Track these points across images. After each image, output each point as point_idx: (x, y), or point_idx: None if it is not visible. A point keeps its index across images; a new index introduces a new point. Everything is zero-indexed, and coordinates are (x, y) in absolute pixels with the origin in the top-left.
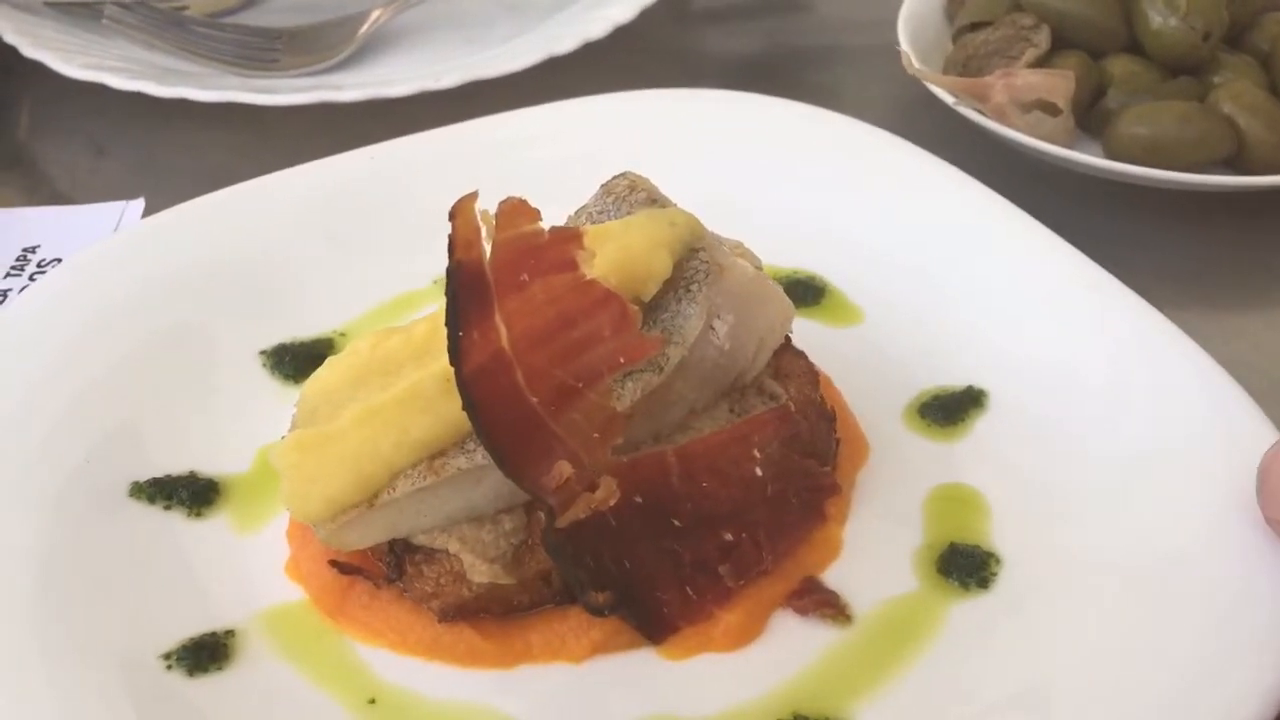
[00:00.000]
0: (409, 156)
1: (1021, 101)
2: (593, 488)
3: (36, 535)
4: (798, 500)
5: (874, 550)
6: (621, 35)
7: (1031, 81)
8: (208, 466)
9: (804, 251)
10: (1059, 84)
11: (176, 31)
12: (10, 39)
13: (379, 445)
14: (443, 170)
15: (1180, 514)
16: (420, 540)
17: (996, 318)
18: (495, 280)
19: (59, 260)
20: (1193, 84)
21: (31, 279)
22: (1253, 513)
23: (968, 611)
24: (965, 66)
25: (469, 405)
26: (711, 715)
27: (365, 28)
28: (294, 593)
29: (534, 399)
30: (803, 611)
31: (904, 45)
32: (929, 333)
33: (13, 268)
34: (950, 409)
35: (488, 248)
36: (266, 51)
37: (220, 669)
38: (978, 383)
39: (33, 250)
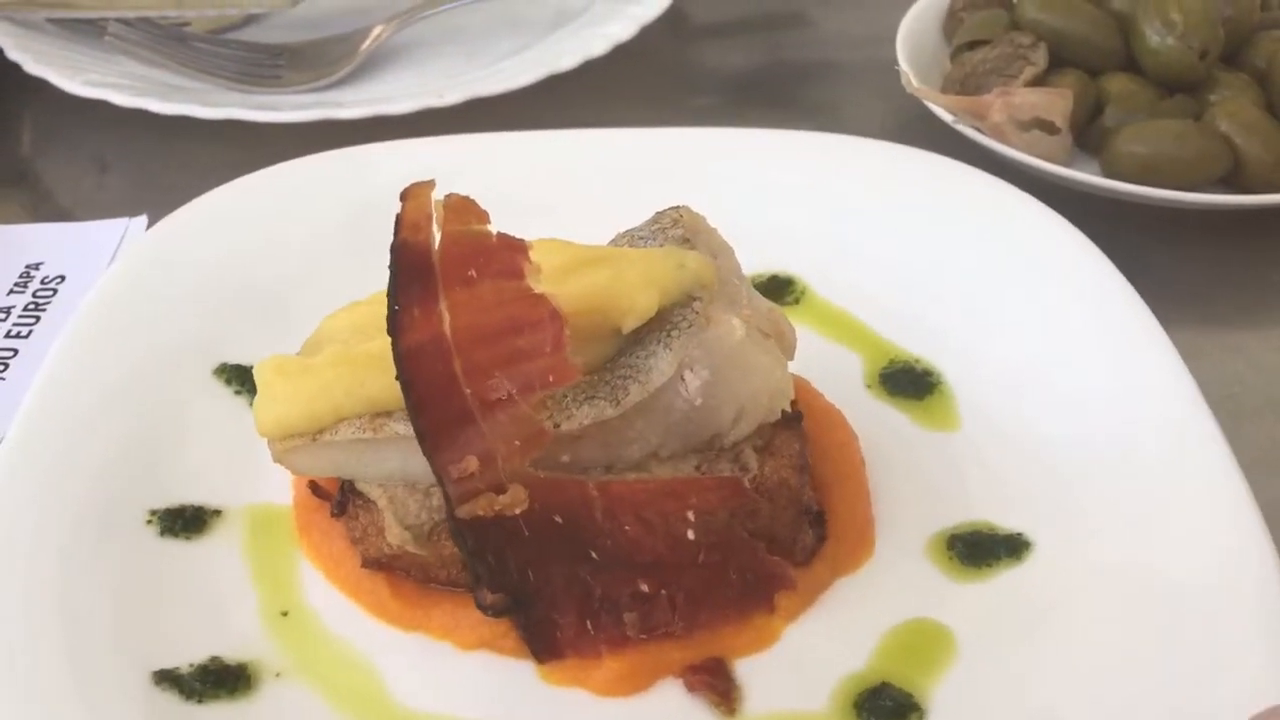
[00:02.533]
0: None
1: (1020, 120)
2: (501, 490)
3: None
4: (739, 578)
5: (804, 658)
6: (622, 52)
7: (1030, 100)
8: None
9: (926, 339)
10: (1057, 102)
11: (179, 48)
12: (13, 55)
13: (334, 389)
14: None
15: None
16: (362, 487)
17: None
18: (442, 269)
19: (62, 277)
20: (1189, 102)
21: (35, 296)
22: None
23: None
24: (963, 84)
25: (402, 379)
26: None
27: (367, 44)
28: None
29: (468, 390)
30: (690, 687)
31: (903, 64)
32: (1007, 461)
33: (15, 284)
34: (981, 549)
35: (437, 235)
36: (269, 68)
37: (189, 539)
38: (1028, 533)
39: (36, 267)
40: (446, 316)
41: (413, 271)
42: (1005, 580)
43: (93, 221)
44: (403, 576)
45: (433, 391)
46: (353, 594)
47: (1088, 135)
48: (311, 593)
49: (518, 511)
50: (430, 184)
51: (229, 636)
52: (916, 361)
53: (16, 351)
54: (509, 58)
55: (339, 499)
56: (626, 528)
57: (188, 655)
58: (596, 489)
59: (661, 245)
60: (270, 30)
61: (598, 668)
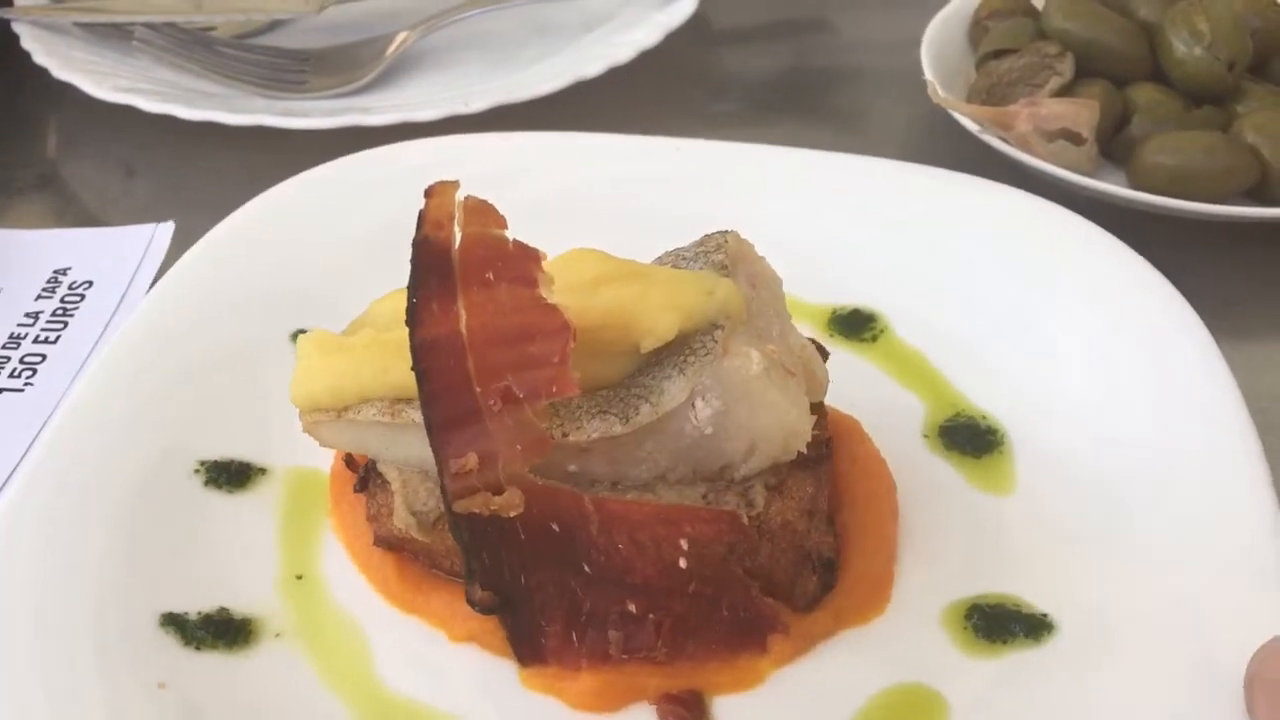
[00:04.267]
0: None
1: (1046, 130)
2: (498, 492)
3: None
4: (730, 615)
5: (785, 706)
6: (647, 58)
7: (1056, 110)
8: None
9: (996, 396)
10: (1083, 113)
11: (205, 53)
12: (41, 60)
13: (361, 371)
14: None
15: None
16: (382, 468)
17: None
18: (462, 268)
19: (90, 283)
20: (1217, 113)
21: (63, 301)
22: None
23: None
24: (989, 94)
25: (417, 370)
26: None
27: (392, 49)
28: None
29: (478, 389)
30: (661, 715)
31: (928, 73)
32: (1051, 538)
33: (44, 290)
34: (1000, 624)
35: (458, 234)
36: (294, 73)
37: (231, 492)
38: (1053, 616)
39: (64, 272)
40: (464, 315)
41: (433, 267)
42: (1016, 661)
43: (121, 227)
44: (411, 560)
45: (445, 385)
46: (363, 569)
47: (1114, 145)
48: (329, 561)
49: (512, 514)
50: (454, 184)
51: (242, 591)
52: (983, 418)
53: (45, 357)
54: (535, 64)
55: (362, 475)
56: (620, 546)
57: (199, 603)
58: (592, 504)
59: (701, 268)
60: (295, 35)
61: (575, 680)
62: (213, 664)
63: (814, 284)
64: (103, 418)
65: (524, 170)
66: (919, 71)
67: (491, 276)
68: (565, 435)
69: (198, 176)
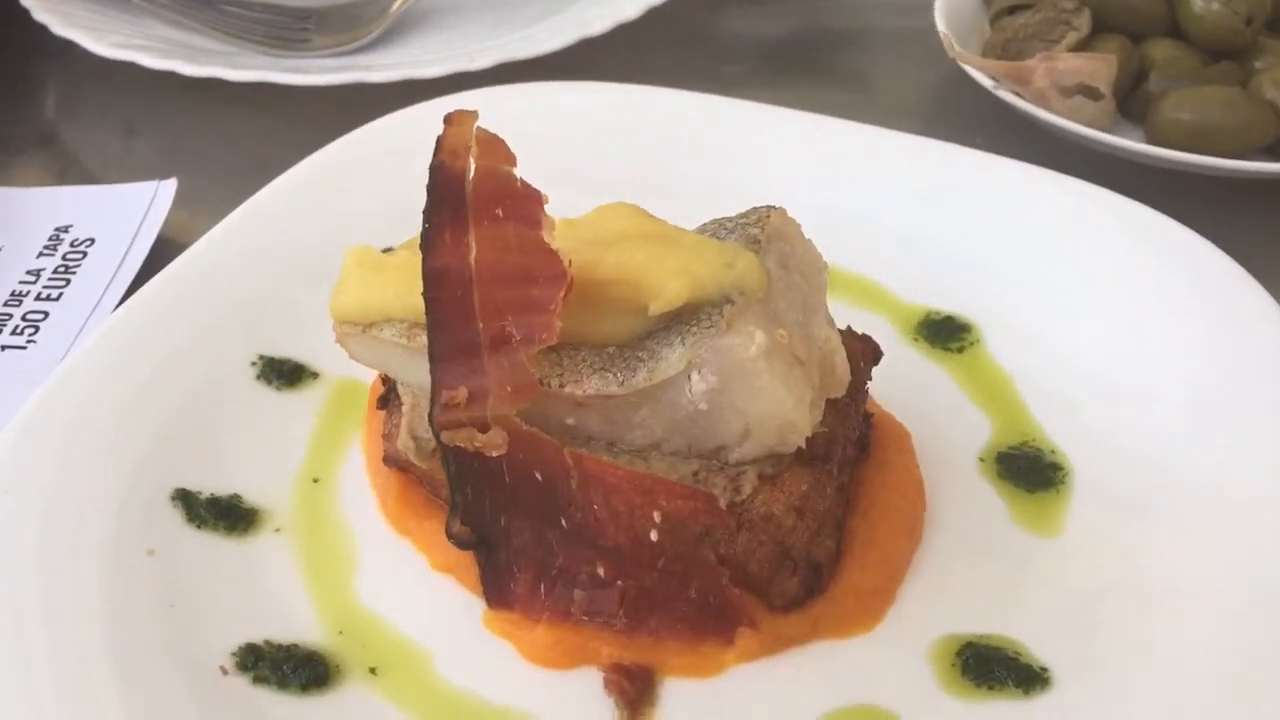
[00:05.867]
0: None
1: (1063, 86)
2: (484, 429)
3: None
4: (699, 599)
5: (733, 702)
6: (653, 17)
7: (1074, 65)
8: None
9: (1070, 430)
10: (1101, 68)
11: (206, 11)
12: (40, 17)
13: (386, 291)
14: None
15: None
16: (400, 388)
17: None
18: (474, 200)
19: (91, 240)
20: (1234, 69)
21: (64, 259)
22: None
23: None
24: (1004, 50)
25: (426, 297)
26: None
27: (396, 6)
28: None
29: (481, 325)
30: (606, 685)
31: (942, 27)
32: (1079, 590)
33: (45, 247)
34: (990, 668)
35: (472, 165)
36: (297, 31)
37: (278, 390)
38: (1052, 672)
39: (65, 230)
40: (474, 248)
41: (446, 196)
42: (996, 711)
43: (123, 185)
44: (416, 484)
45: (450, 316)
46: (371, 481)
47: (1130, 102)
48: (348, 471)
49: (495, 454)
50: (473, 113)
51: (259, 484)
52: (1051, 452)
53: (47, 314)
54: (540, 21)
55: (384, 393)
56: (595, 506)
57: (214, 485)
58: (571, 458)
59: (736, 240)
60: None
61: (532, 630)
62: (206, 543)
63: (911, 282)
64: (173, 306)
65: (620, 122)
66: (930, 30)
67: (501, 213)
68: (563, 386)
69: (199, 135)
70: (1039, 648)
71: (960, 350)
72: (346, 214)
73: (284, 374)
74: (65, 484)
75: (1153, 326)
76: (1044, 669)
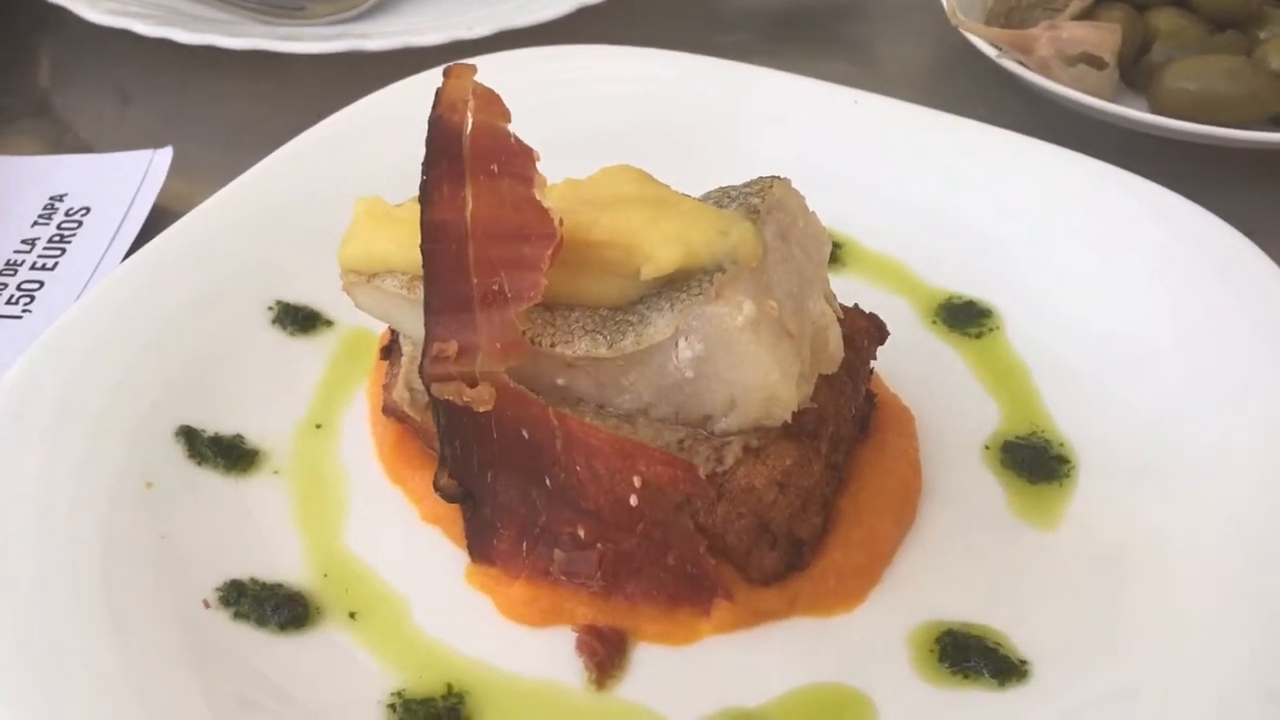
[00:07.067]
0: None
1: (1067, 55)
2: (472, 384)
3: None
4: (677, 567)
5: (703, 672)
6: None
7: (1078, 34)
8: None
9: (1080, 423)
10: (1105, 37)
11: None
12: None
13: (389, 242)
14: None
15: None
16: (402, 339)
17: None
18: (471, 154)
19: (87, 209)
20: (1239, 38)
21: (60, 228)
22: None
23: None
24: (1007, 19)
25: (423, 249)
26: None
27: None
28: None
29: (474, 279)
30: (578, 645)
31: None
32: (1070, 587)
33: (40, 216)
34: (966, 657)
35: (469, 120)
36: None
37: (292, 335)
38: (1033, 667)
39: (60, 199)
40: (470, 203)
41: (444, 149)
42: (968, 699)
43: (118, 153)
44: (414, 435)
45: (446, 269)
46: (371, 430)
47: (1134, 71)
48: (350, 418)
49: (481, 409)
50: (472, 67)
51: (263, 425)
52: (1060, 444)
53: (43, 283)
54: None
55: (387, 344)
56: (577, 468)
57: (218, 425)
58: (556, 418)
59: (735, 208)
60: None
61: (509, 586)
62: (205, 479)
63: (937, 265)
64: (197, 248)
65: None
66: (930, 1)
67: (496, 169)
68: (554, 346)
69: (194, 103)
70: (1021, 641)
71: (979, 336)
72: (378, 164)
73: (299, 320)
74: (72, 412)
75: (1182, 327)
76: (1023, 662)
